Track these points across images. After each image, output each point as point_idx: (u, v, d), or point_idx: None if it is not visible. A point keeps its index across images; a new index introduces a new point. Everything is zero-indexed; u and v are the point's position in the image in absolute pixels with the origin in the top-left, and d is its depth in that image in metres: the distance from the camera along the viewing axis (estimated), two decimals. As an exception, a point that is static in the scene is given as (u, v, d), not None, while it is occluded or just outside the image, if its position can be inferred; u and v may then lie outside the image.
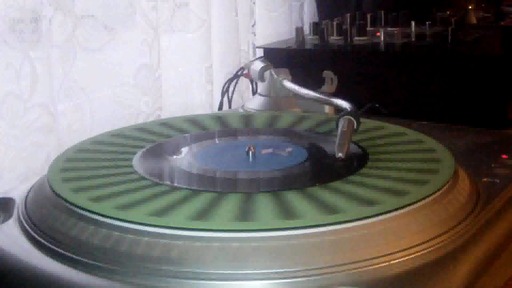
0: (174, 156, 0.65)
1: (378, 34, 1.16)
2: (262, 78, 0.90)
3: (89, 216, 0.50)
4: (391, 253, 0.46)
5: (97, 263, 0.46)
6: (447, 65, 1.01)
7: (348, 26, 1.19)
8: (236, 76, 1.01)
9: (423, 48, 1.10)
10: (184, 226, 0.47)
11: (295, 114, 0.80)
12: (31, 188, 0.60)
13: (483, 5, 1.39)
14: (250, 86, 1.08)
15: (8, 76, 0.79)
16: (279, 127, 0.74)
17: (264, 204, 0.50)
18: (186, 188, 0.55)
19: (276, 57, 1.13)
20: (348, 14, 1.26)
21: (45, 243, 0.50)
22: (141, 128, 0.74)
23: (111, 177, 0.58)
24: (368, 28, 1.22)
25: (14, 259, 0.49)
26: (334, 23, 1.20)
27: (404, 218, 0.49)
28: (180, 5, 1.07)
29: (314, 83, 0.86)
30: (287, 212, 0.49)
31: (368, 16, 1.27)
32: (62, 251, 0.48)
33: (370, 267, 0.45)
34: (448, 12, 1.30)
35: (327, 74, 0.89)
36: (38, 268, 0.48)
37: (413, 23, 1.17)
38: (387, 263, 0.45)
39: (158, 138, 0.70)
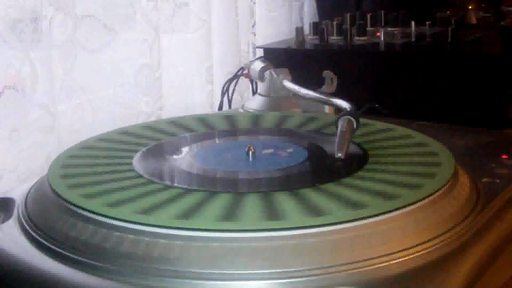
0: (174, 156, 0.64)
1: (378, 34, 1.16)
2: (262, 78, 0.90)
3: (89, 216, 0.50)
4: (391, 253, 0.46)
5: (97, 263, 0.46)
6: (447, 65, 1.01)
7: (348, 26, 1.19)
8: (236, 76, 1.01)
9: (423, 48, 1.10)
10: (183, 226, 0.47)
11: (277, 114, 0.80)
12: (31, 188, 0.60)
13: (483, 5, 1.39)
14: (250, 86, 1.08)
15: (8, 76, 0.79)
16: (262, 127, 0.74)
17: (263, 205, 0.50)
18: (202, 190, 0.54)
19: (276, 57, 1.13)
20: (348, 14, 1.26)
21: (45, 243, 0.50)
22: (146, 127, 0.74)
23: (111, 177, 0.58)
24: (368, 28, 1.22)
25: (14, 259, 0.49)
26: (334, 23, 1.20)
27: (404, 218, 0.49)
28: (180, 5, 1.07)
29: (314, 83, 0.86)
30: (287, 213, 0.49)
31: (368, 16, 1.27)
32: (62, 251, 0.48)
33: (370, 267, 0.45)
34: (448, 12, 1.30)
35: (327, 74, 0.89)
36: (38, 268, 0.48)
37: (413, 23, 1.17)
38: (387, 263, 0.45)
39: (159, 138, 0.70)
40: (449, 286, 0.45)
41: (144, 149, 0.66)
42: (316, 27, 1.22)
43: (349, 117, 0.66)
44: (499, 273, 0.51)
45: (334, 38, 1.19)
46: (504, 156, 0.67)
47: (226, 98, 1.01)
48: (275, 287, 0.44)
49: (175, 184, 0.56)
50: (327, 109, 0.84)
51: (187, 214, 0.49)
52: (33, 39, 0.81)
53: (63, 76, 0.88)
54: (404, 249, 0.46)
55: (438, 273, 0.45)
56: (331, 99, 0.79)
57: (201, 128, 0.73)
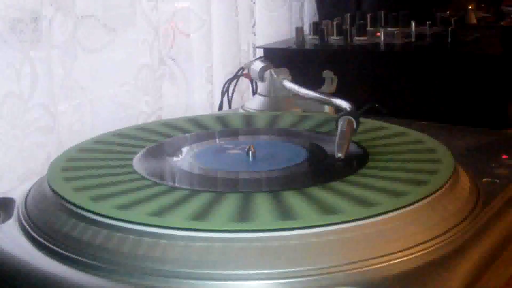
0: (174, 156, 0.65)
1: (378, 34, 1.16)
2: (262, 78, 0.90)
3: (89, 216, 0.50)
4: (391, 253, 0.46)
5: (97, 263, 0.46)
6: (447, 65, 1.01)
7: (348, 26, 1.19)
8: (236, 76, 1.01)
9: (423, 48, 1.10)
10: (184, 227, 0.47)
11: (267, 114, 0.80)
12: (31, 188, 0.60)
13: (483, 5, 1.39)
14: (250, 86, 1.08)
15: (8, 76, 0.79)
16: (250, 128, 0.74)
17: (263, 204, 0.50)
18: (186, 188, 0.55)
19: (276, 57, 1.13)
20: (348, 14, 1.26)
21: (45, 243, 0.50)
22: (142, 128, 0.74)
23: (111, 177, 0.58)
24: (368, 28, 1.22)
25: (14, 259, 0.49)
26: (334, 23, 1.20)
27: (404, 218, 0.49)
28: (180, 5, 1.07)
29: (314, 83, 0.86)
30: (287, 212, 0.49)
31: (368, 16, 1.27)
32: (62, 251, 0.48)
33: (370, 267, 0.45)
34: (448, 12, 1.30)
35: (327, 74, 0.89)
36: (38, 268, 0.48)
37: (413, 23, 1.17)
38: (387, 263, 0.45)
39: (158, 138, 0.70)
40: (449, 286, 0.45)
41: (145, 148, 0.66)
42: (316, 27, 1.22)
43: (349, 117, 0.66)
44: (499, 273, 0.51)
45: (334, 38, 1.19)
46: (504, 156, 0.67)
47: (226, 98, 1.01)
48: (275, 287, 0.44)
49: (165, 182, 0.57)
50: (327, 109, 0.84)
51: (170, 212, 0.49)
52: (33, 39, 0.81)
53: (63, 76, 0.88)
54: (404, 249, 0.46)
55: (438, 273, 0.45)
56: (331, 99, 0.79)
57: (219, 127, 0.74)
